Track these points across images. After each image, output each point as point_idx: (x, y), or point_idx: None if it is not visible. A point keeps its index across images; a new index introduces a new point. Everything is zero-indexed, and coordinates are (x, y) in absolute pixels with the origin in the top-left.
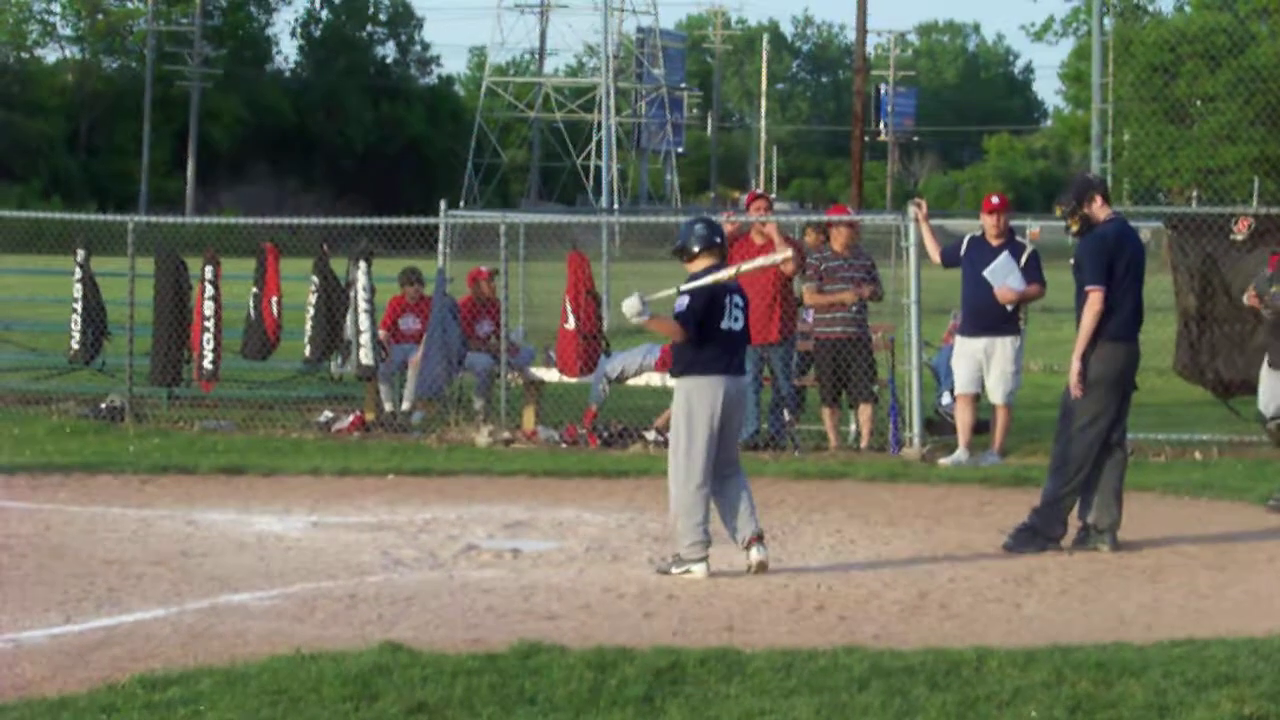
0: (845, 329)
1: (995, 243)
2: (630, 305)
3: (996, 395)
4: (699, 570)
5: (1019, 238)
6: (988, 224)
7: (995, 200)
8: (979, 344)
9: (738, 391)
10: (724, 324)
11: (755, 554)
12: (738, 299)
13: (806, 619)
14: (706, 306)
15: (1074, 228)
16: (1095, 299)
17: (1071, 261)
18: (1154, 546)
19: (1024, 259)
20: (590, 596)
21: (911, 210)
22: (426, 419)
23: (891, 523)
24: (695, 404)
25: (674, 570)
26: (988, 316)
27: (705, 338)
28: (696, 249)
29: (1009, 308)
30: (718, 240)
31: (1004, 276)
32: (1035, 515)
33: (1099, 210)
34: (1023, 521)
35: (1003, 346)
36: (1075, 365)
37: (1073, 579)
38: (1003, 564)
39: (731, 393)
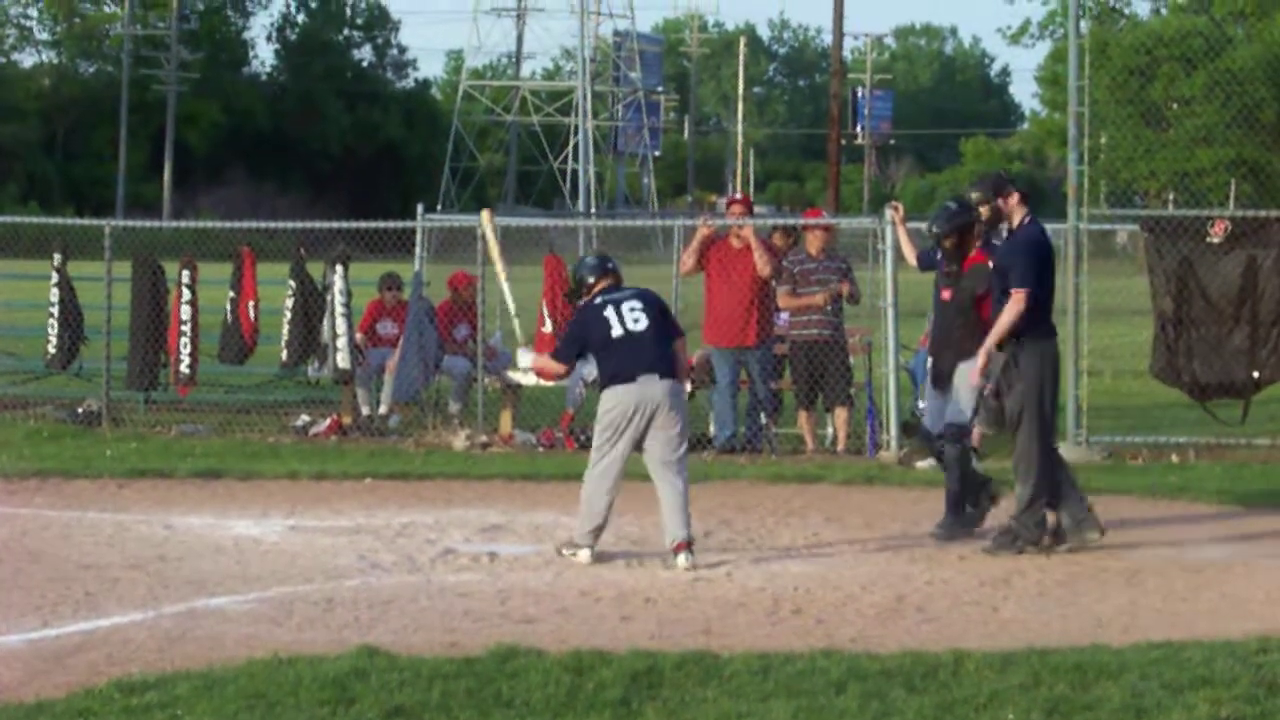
0: (820, 332)
1: None
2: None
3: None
4: (584, 555)
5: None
6: None
7: None
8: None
9: (658, 391)
10: (615, 332)
11: (681, 561)
12: (633, 303)
13: (784, 622)
14: (580, 334)
15: (983, 214)
16: (1021, 299)
17: (990, 263)
18: (1131, 549)
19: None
20: (567, 600)
21: (888, 214)
22: (403, 423)
23: (868, 526)
24: (609, 410)
25: (564, 552)
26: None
27: (603, 353)
28: (592, 279)
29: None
30: (609, 266)
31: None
32: (1014, 520)
33: (1015, 208)
34: (1002, 524)
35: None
36: (983, 358)
37: (1050, 582)
38: (980, 567)
39: (648, 394)
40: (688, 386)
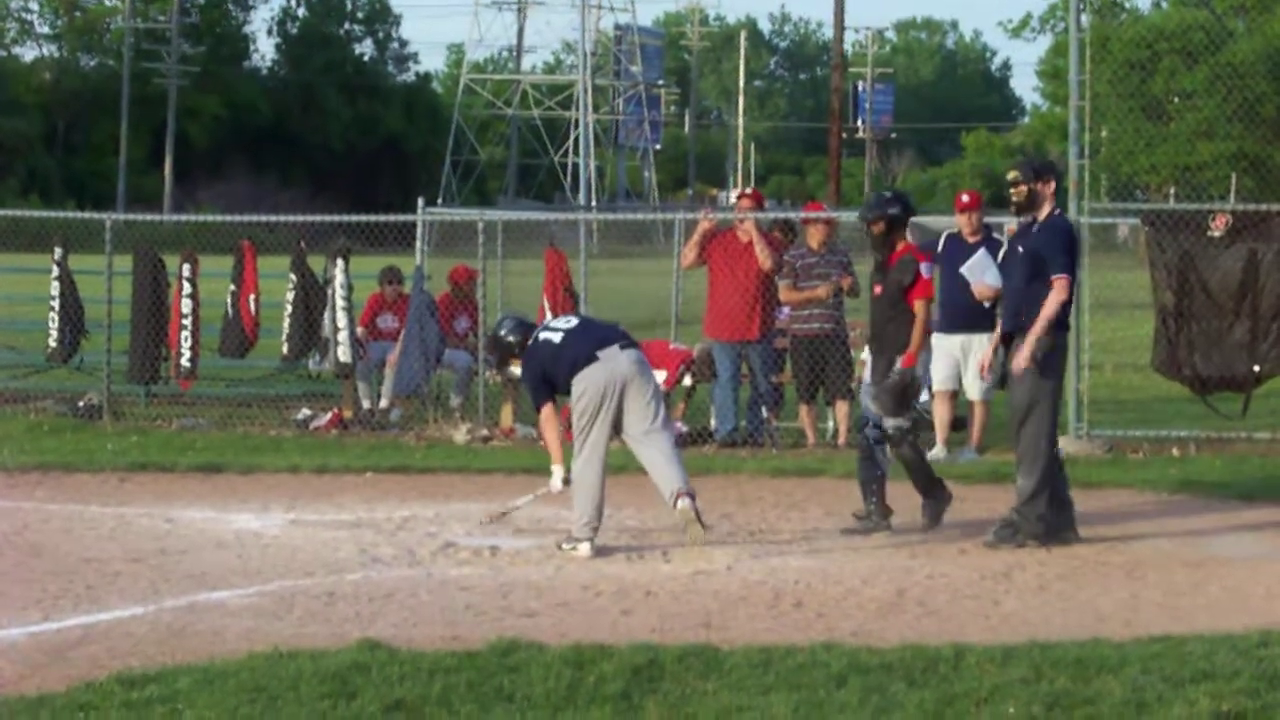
0: (821, 325)
1: (971, 240)
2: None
3: (974, 391)
4: (584, 549)
5: (996, 234)
6: (961, 222)
7: (966, 199)
8: (956, 341)
9: (623, 363)
10: (556, 339)
11: (682, 504)
12: (555, 322)
13: (784, 616)
14: (536, 370)
15: (1018, 198)
16: (1064, 287)
17: (1020, 249)
18: (1132, 543)
19: (1000, 255)
20: (568, 594)
21: None
22: (404, 417)
23: (867, 518)
24: (581, 395)
25: (564, 546)
26: (965, 313)
27: (558, 362)
28: (515, 338)
29: (985, 304)
30: (527, 322)
31: (981, 273)
32: (1015, 512)
33: (1049, 197)
34: (1004, 517)
35: (980, 343)
36: (1029, 349)
37: (1051, 576)
38: (980, 561)
39: (615, 369)
40: (688, 380)
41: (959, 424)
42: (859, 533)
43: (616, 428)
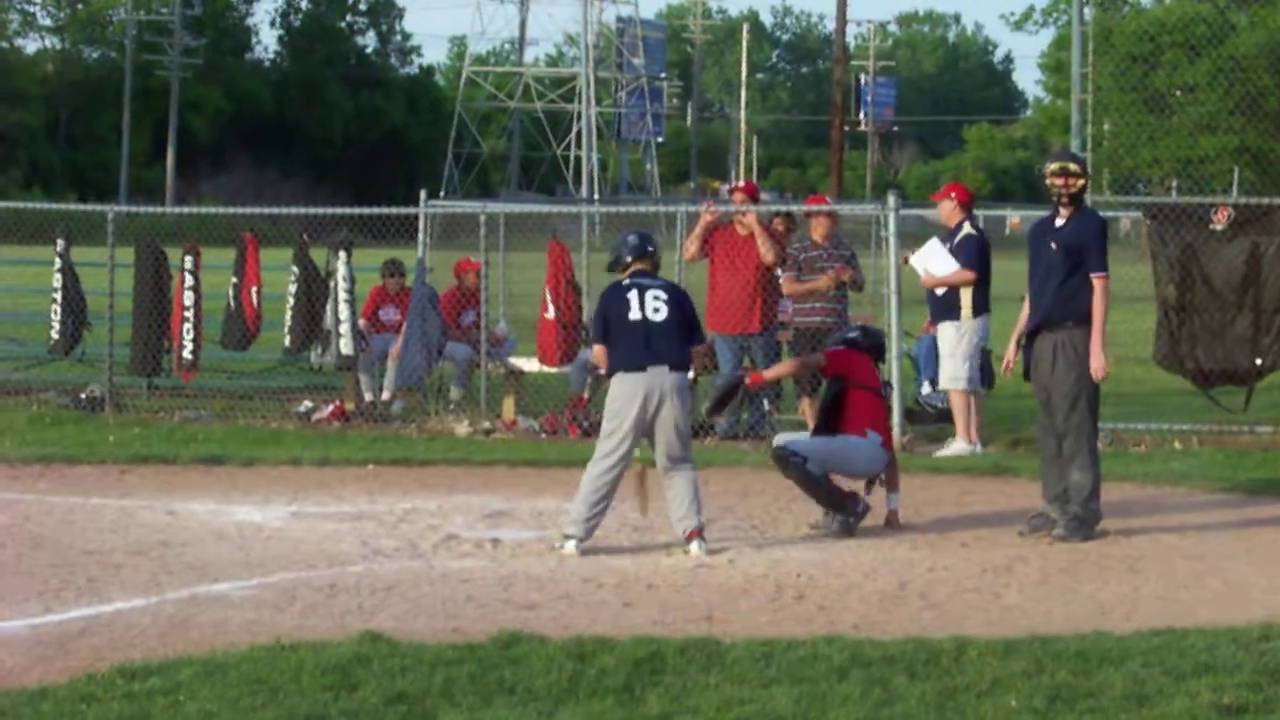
0: (824, 319)
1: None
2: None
3: (942, 382)
4: (570, 547)
5: (969, 226)
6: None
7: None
8: (935, 332)
9: (666, 383)
10: (632, 315)
11: (695, 549)
12: (657, 292)
13: (786, 609)
14: (603, 310)
15: (1072, 189)
16: (1106, 285)
17: (1052, 244)
18: (1133, 536)
19: (955, 243)
20: (570, 586)
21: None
22: (406, 409)
23: (871, 513)
24: (616, 399)
25: (555, 544)
26: (931, 304)
27: (614, 335)
28: (629, 259)
29: (940, 292)
30: (649, 250)
31: (924, 261)
32: (1081, 508)
33: (1082, 194)
34: (1071, 513)
35: (943, 332)
36: (1099, 356)
37: (1052, 569)
38: (982, 554)
39: (656, 384)
40: (690, 374)
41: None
42: (828, 535)
43: (647, 435)
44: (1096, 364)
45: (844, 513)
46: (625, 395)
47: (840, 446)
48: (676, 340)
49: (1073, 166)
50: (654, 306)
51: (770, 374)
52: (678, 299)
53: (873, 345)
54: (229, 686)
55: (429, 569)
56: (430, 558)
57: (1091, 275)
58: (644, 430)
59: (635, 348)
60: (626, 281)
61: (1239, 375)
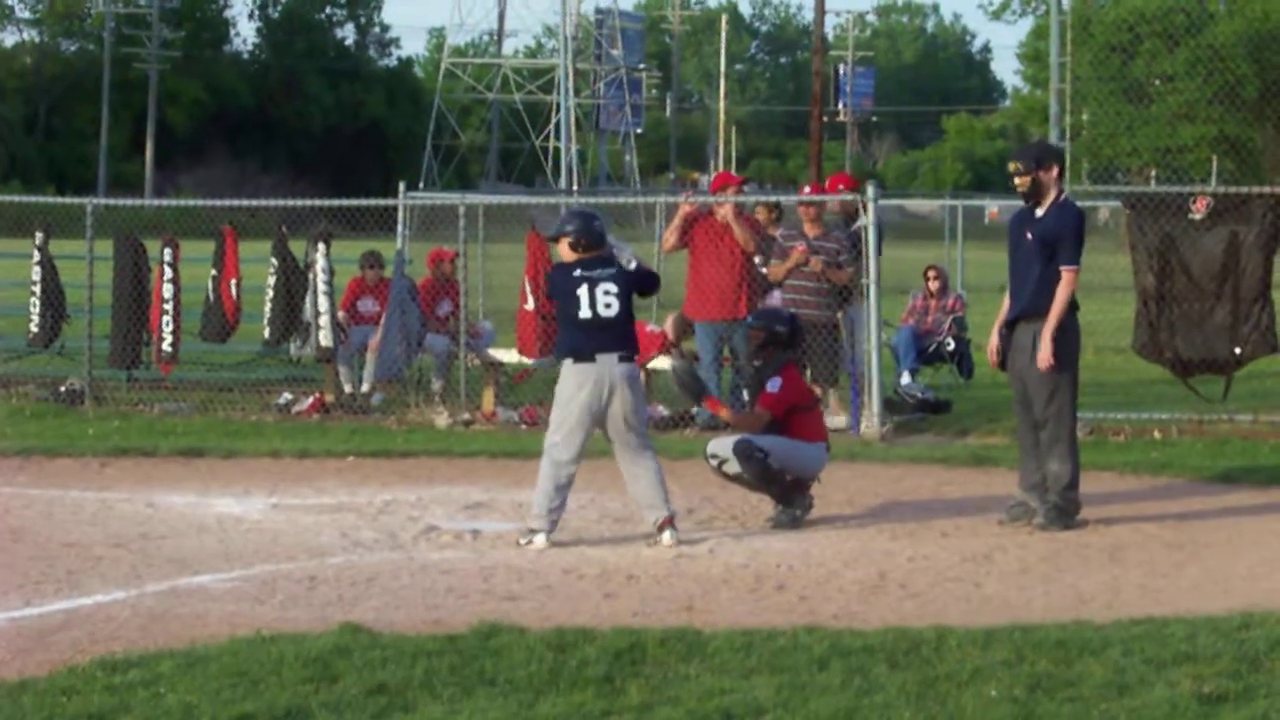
0: (810, 312)
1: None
2: None
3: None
4: (539, 541)
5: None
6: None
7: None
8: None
9: (616, 372)
10: (583, 314)
11: (667, 537)
12: (608, 285)
13: (766, 599)
14: (554, 295)
15: (1023, 188)
16: (1072, 279)
17: (1028, 235)
18: (1113, 525)
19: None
20: (550, 577)
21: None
22: (386, 401)
23: (851, 503)
24: (565, 388)
25: (521, 541)
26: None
27: (567, 326)
28: (570, 242)
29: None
30: (594, 232)
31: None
32: (1059, 497)
33: (1053, 181)
34: (1050, 503)
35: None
36: (1048, 345)
37: (1032, 558)
38: (962, 543)
39: (605, 373)
40: (664, 361)
41: (937, 407)
42: (786, 527)
43: (599, 425)
44: (1044, 354)
45: (794, 506)
46: (574, 385)
47: (794, 447)
48: (626, 329)
49: (1011, 166)
50: (605, 302)
51: (725, 415)
52: (627, 288)
53: (794, 332)
54: (209, 678)
55: (409, 560)
56: (410, 549)
57: (1060, 267)
58: (596, 420)
59: (587, 341)
60: (577, 273)
61: (1218, 364)
